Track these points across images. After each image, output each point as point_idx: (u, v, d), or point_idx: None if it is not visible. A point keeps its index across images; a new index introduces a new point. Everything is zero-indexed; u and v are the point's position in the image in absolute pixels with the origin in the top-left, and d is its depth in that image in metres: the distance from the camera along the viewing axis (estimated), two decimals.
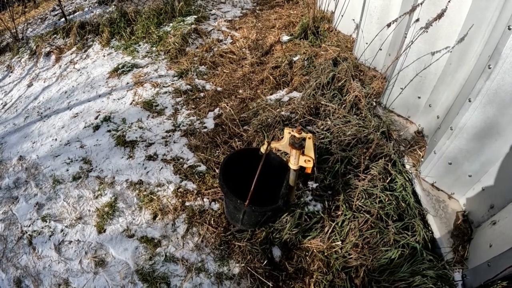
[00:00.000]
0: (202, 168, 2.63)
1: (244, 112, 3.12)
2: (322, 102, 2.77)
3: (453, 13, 2.09)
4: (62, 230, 2.57)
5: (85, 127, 3.15)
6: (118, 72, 3.75)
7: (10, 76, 4.50)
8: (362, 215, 2.09)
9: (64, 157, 2.96)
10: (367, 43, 3.30)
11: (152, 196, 2.53)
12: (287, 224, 2.12)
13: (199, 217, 2.36)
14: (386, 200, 2.14)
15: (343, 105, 2.77)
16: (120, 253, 2.36)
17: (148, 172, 2.68)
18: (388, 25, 2.55)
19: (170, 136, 2.93)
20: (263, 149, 1.61)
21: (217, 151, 2.72)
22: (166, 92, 3.38)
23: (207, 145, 2.80)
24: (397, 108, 2.78)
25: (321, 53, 3.80)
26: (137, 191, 2.59)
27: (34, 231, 2.62)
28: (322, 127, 2.58)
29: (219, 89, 3.50)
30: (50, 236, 2.57)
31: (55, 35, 4.80)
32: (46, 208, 2.72)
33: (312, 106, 2.77)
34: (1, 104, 4.02)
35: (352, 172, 2.31)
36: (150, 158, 2.76)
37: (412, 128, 2.69)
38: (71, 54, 4.44)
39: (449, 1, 2.06)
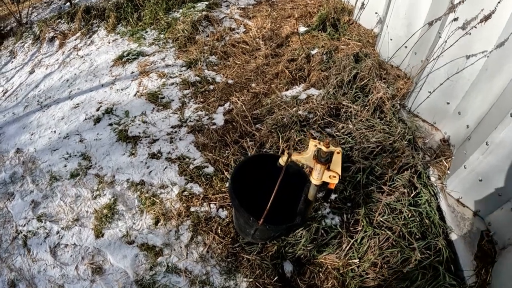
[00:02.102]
0: (210, 169, 2.42)
1: (257, 109, 2.88)
2: (344, 103, 2.52)
3: (495, 15, 1.90)
4: (58, 232, 2.41)
5: (85, 119, 2.97)
6: (123, 60, 3.54)
7: (12, 61, 4.34)
8: (383, 232, 1.93)
9: (62, 151, 2.79)
10: (391, 39, 3.05)
11: (154, 198, 2.33)
12: (302, 239, 1.91)
13: (205, 225, 2.16)
14: (410, 216, 1.97)
15: (366, 107, 2.51)
16: (119, 261, 2.19)
17: (151, 171, 2.48)
18: (430, 24, 2.28)
19: (175, 132, 2.72)
20: (282, 161, 1.38)
21: (227, 152, 2.50)
22: (173, 84, 3.16)
23: (215, 144, 2.58)
24: (422, 112, 2.59)
25: (341, 47, 3.53)
26: (138, 192, 2.40)
27: (29, 231, 2.47)
28: (342, 130, 2.34)
29: (230, 81, 3.26)
30: (45, 238, 2.42)
31: (59, 20, 4.60)
32: (42, 206, 2.57)
33: (332, 106, 2.52)
34: (2, 91, 3.87)
35: (375, 184, 2.08)
36: (153, 156, 2.56)
37: (437, 136, 2.49)
38: (75, 39, 4.24)
39: (499, 2, 1.82)
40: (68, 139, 2.88)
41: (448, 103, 2.36)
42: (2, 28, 4.97)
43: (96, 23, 4.36)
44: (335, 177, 1.27)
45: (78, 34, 4.30)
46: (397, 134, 2.28)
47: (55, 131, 3.00)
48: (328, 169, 1.28)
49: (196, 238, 2.14)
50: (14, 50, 4.49)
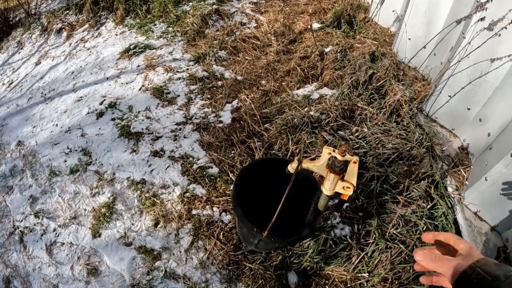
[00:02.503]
0: (214, 170, 2.30)
1: (266, 107, 2.74)
2: (359, 105, 2.36)
3: None
4: (54, 230, 2.32)
5: (88, 113, 2.87)
6: (129, 53, 3.44)
7: (20, 52, 4.29)
8: (396, 245, 1.80)
9: (63, 145, 2.70)
10: (409, 39, 2.88)
11: (155, 199, 2.22)
12: (309, 250, 1.77)
13: (207, 229, 2.03)
14: (425, 229, 1.84)
15: (382, 110, 2.34)
16: (115, 263, 2.09)
17: (152, 170, 2.37)
18: (454, 23, 2.10)
19: (180, 129, 2.60)
20: (291, 168, 1.24)
21: (233, 152, 2.37)
22: (179, 78, 3.04)
23: (221, 143, 2.45)
24: (441, 117, 2.44)
25: (356, 45, 3.36)
26: (138, 191, 2.29)
27: (26, 227, 2.39)
28: (356, 134, 2.19)
29: (239, 78, 3.12)
30: (42, 235, 2.34)
31: (67, 11, 4.54)
32: (40, 202, 2.49)
33: (346, 108, 2.36)
34: (8, 82, 3.82)
35: (389, 193, 1.93)
36: (156, 154, 2.45)
37: (456, 143, 2.34)
38: (83, 31, 4.16)
39: None
40: (70, 133, 2.79)
41: (468, 109, 2.21)
42: (11, 19, 4.94)
43: (104, 15, 4.27)
44: (349, 188, 1.12)
45: (86, 26, 4.23)
46: (414, 141, 2.11)
47: (57, 125, 2.91)
48: (342, 179, 1.14)
49: (197, 243, 2.03)
50: (22, 41, 4.44)
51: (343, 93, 2.59)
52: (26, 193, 2.58)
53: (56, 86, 3.37)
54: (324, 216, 1.84)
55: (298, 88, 2.95)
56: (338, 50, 3.31)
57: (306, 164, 1.19)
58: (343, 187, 1.14)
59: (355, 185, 1.13)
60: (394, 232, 1.82)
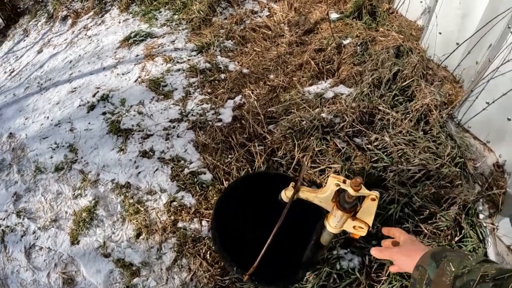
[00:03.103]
0: (207, 177, 2.02)
1: (272, 105, 2.42)
2: (380, 107, 2.00)
3: None
4: (34, 232, 2.14)
5: (80, 105, 2.66)
6: (130, 41, 3.20)
7: (25, 40, 4.16)
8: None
9: (51, 140, 2.51)
10: (440, 33, 2.48)
11: (139, 206, 1.97)
12: (308, 284, 1.45)
13: (192, 246, 1.77)
14: None
15: (408, 116, 1.96)
16: (92, 275, 1.87)
17: (139, 173, 2.12)
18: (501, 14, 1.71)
19: (174, 127, 2.34)
20: (285, 196, 0.95)
21: (230, 157, 2.08)
22: (179, 70, 2.77)
23: (218, 145, 2.17)
24: (474, 127, 2.06)
25: (379, 38, 2.97)
26: (122, 196, 2.05)
27: (8, 226, 2.23)
28: (376, 143, 1.83)
29: (245, 70, 2.81)
30: (22, 236, 2.17)
31: None
32: (23, 200, 2.31)
33: (365, 110, 2.00)
34: (10, 70, 3.70)
35: (411, 220, 1.57)
36: (144, 154, 2.20)
37: (490, 159, 1.95)
38: (87, 19, 3.96)
39: None
40: (59, 127, 2.59)
41: (509, 119, 1.83)
42: (19, 6, 4.83)
43: (109, 1, 4.05)
44: (362, 228, 0.81)
45: (91, 13, 4.03)
46: (446, 156, 1.73)
47: (48, 117, 2.73)
48: (354, 216, 0.82)
49: (180, 260, 1.76)
50: (28, 29, 4.32)
51: (362, 93, 2.23)
52: (11, 190, 2.41)
53: (53, 75, 3.18)
54: (330, 245, 1.52)
55: (310, 85, 2.60)
56: (358, 43, 2.93)
57: (305, 194, 0.89)
58: (355, 227, 0.83)
59: (371, 225, 0.81)
60: None
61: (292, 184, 0.98)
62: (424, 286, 0.65)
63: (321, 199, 0.87)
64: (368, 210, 0.81)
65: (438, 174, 1.62)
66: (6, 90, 3.34)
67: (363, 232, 0.83)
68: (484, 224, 1.65)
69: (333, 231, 0.90)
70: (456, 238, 1.52)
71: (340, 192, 0.84)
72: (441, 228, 1.50)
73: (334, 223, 0.86)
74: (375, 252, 0.80)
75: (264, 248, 0.90)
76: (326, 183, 0.90)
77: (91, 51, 3.28)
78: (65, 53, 3.45)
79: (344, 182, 0.81)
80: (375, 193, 0.80)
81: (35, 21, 4.37)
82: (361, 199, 0.83)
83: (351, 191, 0.77)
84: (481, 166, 1.91)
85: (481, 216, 1.69)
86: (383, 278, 1.45)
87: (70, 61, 3.27)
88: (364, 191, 0.79)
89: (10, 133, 2.80)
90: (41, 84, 3.14)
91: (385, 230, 0.86)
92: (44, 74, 3.26)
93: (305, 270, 1.08)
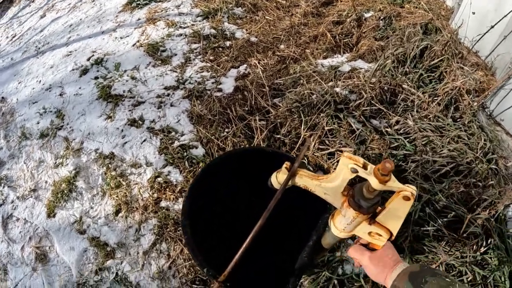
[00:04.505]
0: (199, 151, 1.76)
1: (280, 77, 2.11)
2: (404, 86, 1.65)
3: None
4: (12, 202, 1.96)
5: (72, 69, 2.45)
6: (133, 5, 2.94)
7: (30, 6, 3.99)
8: None
9: (39, 105, 2.31)
10: (473, 13, 2.16)
11: (121, 180, 1.75)
12: None
13: (174, 230, 1.52)
14: (470, 280, 1.22)
15: (436, 99, 1.61)
16: (65, 252, 1.68)
17: (125, 143, 1.89)
18: None
19: (168, 95, 2.08)
20: (275, 181, 0.67)
21: (226, 130, 1.81)
22: (181, 35, 2.49)
23: (215, 117, 1.89)
24: (508, 121, 1.82)
25: (404, 14, 2.62)
26: (105, 168, 1.83)
27: None
28: (397, 126, 1.51)
29: (253, 39, 2.50)
30: (0, 205, 1.98)
31: None
32: (6, 167, 2.14)
33: (386, 88, 1.66)
34: (11, 35, 3.53)
35: (433, 223, 1.24)
36: (133, 123, 1.96)
37: None
38: None
39: None
40: (50, 91, 2.38)
41: None
42: None
43: None
44: (381, 237, 0.51)
45: None
46: (478, 150, 1.38)
47: (40, 81, 2.53)
48: (373, 220, 0.52)
49: (160, 245, 1.53)
50: None
51: (384, 67, 1.87)
52: None
53: (51, 39, 2.98)
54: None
55: (324, 57, 2.27)
56: (382, 17, 2.57)
57: (304, 181, 0.61)
58: (370, 233, 0.53)
59: (395, 234, 0.51)
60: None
61: (286, 164, 0.69)
62: None
63: (326, 189, 0.58)
64: (396, 212, 0.51)
65: (469, 170, 1.27)
66: (5, 54, 3.18)
67: (381, 242, 0.54)
68: None
69: (339, 235, 0.61)
70: (482, 249, 1.19)
71: (354, 183, 0.54)
72: (466, 236, 1.18)
73: (342, 225, 0.57)
74: (351, 250, 0.70)
75: (240, 252, 0.63)
76: (335, 168, 0.59)
77: (93, 15, 3.05)
78: (67, 17, 3.24)
79: (364, 167, 0.51)
80: (411, 189, 0.49)
81: None
82: (387, 196, 0.53)
83: (374, 182, 0.48)
84: None
85: (510, 224, 1.36)
86: None
87: (71, 25, 3.05)
88: (394, 183, 0.48)
89: (2, 97, 2.63)
90: (39, 48, 2.94)
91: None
92: (43, 38, 3.06)
93: (298, 278, 0.80)
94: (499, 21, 1.91)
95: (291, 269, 0.89)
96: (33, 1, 3.99)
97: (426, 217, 1.25)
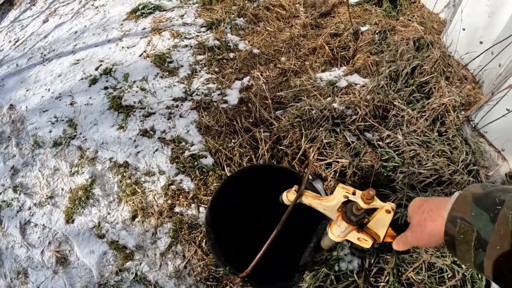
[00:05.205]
0: (208, 161, 1.93)
1: (282, 90, 2.30)
2: (396, 103, 1.86)
3: None
4: (30, 208, 2.12)
5: (81, 78, 2.59)
6: (137, 13, 3.08)
7: (31, 9, 4.08)
8: None
9: (51, 114, 2.45)
10: (464, 29, 2.35)
11: (136, 187, 1.91)
12: (303, 284, 1.38)
13: (188, 233, 1.71)
14: (450, 277, 1.42)
15: (424, 115, 1.83)
16: (85, 255, 1.84)
17: (138, 152, 2.05)
18: None
19: (177, 106, 2.25)
20: (286, 199, 0.87)
21: (233, 141, 1.99)
22: (186, 46, 2.65)
23: (222, 128, 2.07)
24: (490, 133, 2.00)
25: (398, 28, 2.83)
26: (120, 176, 1.99)
27: (4, 201, 2.21)
28: (388, 140, 1.70)
29: (255, 51, 2.67)
30: (17, 211, 2.15)
31: None
32: (20, 175, 2.28)
33: (379, 104, 1.86)
34: (14, 40, 3.63)
35: None
36: (145, 133, 2.12)
37: (503, 168, 1.90)
38: None
39: None
40: (60, 100, 2.53)
41: None
42: None
43: None
44: (367, 241, 0.71)
45: None
46: (460, 162, 1.61)
47: (49, 89, 2.66)
48: (361, 229, 0.73)
49: (175, 247, 1.71)
50: None
51: (378, 85, 2.08)
52: (9, 163, 2.38)
53: (57, 46, 3.10)
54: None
55: (323, 71, 2.46)
56: (377, 31, 2.77)
57: (309, 200, 0.80)
58: (358, 238, 0.73)
59: (382, 238, 0.71)
60: (414, 277, 1.40)
61: (295, 187, 0.89)
62: (474, 251, 0.44)
63: (325, 207, 0.78)
64: (382, 222, 0.71)
65: (450, 181, 1.50)
66: (10, 60, 3.29)
67: (367, 245, 0.74)
68: None
69: (335, 239, 0.81)
70: None
71: (347, 202, 0.74)
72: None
73: (337, 232, 0.77)
74: (395, 245, 0.65)
75: (260, 253, 0.81)
76: (333, 192, 0.81)
77: (97, 22, 3.18)
78: (71, 23, 3.36)
79: (353, 193, 0.71)
80: (391, 205, 0.69)
81: None
82: (371, 211, 0.73)
83: (361, 203, 0.67)
84: (494, 175, 1.84)
85: None
86: (382, 283, 1.37)
87: (75, 32, 3.18)
88: (377, 203, 0.68)
89: (11, 104, 2.76)
90: (44, 55, 3.07)
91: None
92: (48, 45, 3.19)
93: (301, 274, 0.99)
94: (488, 41, 2.12)
95: (296, 266, 1.10)
96: (34, 5, 4.08)
97: None
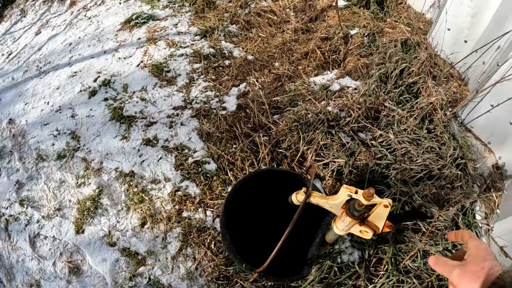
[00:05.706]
0: (212, 166, 2.04)
1: (277, 95, 2.42)
2: (386, 104, 2.00)
3: None
4: (38, 221, 2.19)
5: (80, 90, 2.67)
6: (131, 24, 3.16)
7: (22, 21, 4.11)
8: (409, 280, 1.53)
9: (52, 127, 2.53)
10: (449, 29, 2.51)
11: (143, 195, 2.01)
12: (310, 277, 1.51)
13: (197, 236, 1.81)
14: None
15: (413, 114, 1.97)
16: (98, 264, 1.93)
17: (143, 161, 2.15)
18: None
19: (177, 115, 2.35)
20: (295, 199, 0.98)
21: (234, 146, 2.10)
22: (182, 55, 2.75)
23: (222, 134, 2.18)
24: (477, 128, 2.15)
25: (386, 30, 2.98)
26: (126, 185, 2.09)
27: (11, 215, 2.28)
28: (380, 139, 1.84)
29: (250, 57, 2.79)
30: (26, 225, 2.22)
31: None
32: (26, 189, 2.35)
33: (371, 106, 2.00)
34: (7, 53, 3.67)
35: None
36: (148, 142, 2.22)
37: (490, 160, 2.04)
38: None
39: None
40: (60, 112, 2.60)
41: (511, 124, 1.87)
42: None
43: None
44: (367, 233, 0.84)
45: None
46: (448, 157, 1.76)
47: (48, 102, 2.73)
48: (362, 222, 0.85)
49: (185, 250, 1.81)
50: (25, 9, 4.26)
51: (369, 88, 2.22)
52: (13, 178, 2.44)
53: (52, 58, 3.17)
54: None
55: (316, 75, 2.59)
56: (366, 34, 2.91)
57: (316, 200, 0.92)
58: (361, 231, 0.86)
59: (381, 229, 0.84)
60: (410, 265, 1.54)
61: (304, 189, 1.01)
62: None
63: (331, 205, 0.90)
64: (380, 216, 0.84)
65: (439, 175, 1.64)
66: (4, 73, 3.33)
67: (368, 236, 0.87)
68: (480, 225, 1.72)
69: (339, 233, 0.94)
70: None
71: (350, 200, 0.87)
72: (439, 228, 1.54)
73: (341, 226, 0.90)
74: (432, 261, 0.66)
75: (275, 249, 0.93)
76: (332, 190, 0.93)
77: (91, 33, 3.25)
78: (64, 35, 3.42)
79: (356, 192, 0.84)
80: (388, 201, 0.82)
81: (33, 1, 4.30)
82: (369, 207, 0.86)
83: (362, 200, 0.80)
84: (481, 167, 1.98)
85: (477, 217, 1.76)
86: (381, 272, 1.50)
87: (70, 44, 3.25)
88: (376, 199, 0.81)
89: (10, 119, 2.81)
90: (40, 68, 3.13)
91: (451, 236, 0.71)
92: (43, 57, 3.24)
93: (310, 266, 1.12)
94: (472, 40, 2.27)
95: (305, 260, 1.22)
96: (24, 16, 4.12)
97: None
